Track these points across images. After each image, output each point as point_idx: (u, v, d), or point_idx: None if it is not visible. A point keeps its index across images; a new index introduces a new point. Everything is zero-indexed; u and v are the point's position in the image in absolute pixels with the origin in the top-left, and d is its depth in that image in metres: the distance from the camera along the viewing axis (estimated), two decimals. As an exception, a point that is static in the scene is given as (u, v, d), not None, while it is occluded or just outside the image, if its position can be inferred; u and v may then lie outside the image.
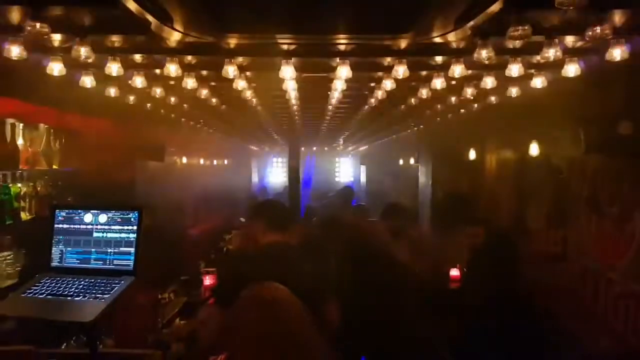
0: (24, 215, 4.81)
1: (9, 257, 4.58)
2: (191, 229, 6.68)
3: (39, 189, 5.01)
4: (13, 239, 4.62)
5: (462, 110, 4.29)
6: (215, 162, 11.74)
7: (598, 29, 1.79)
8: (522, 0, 1.73)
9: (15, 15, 1.83)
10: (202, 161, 10.53)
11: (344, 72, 2.53)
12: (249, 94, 3.44)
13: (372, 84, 3.35)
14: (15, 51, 2.09)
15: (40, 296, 2.06)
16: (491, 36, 2.11)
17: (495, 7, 1.76)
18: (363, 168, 14.83)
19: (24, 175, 4.85)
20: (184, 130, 6.60)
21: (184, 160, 9.12)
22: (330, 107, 4.35)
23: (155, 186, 7.25)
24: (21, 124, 4.78)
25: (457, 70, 2.55)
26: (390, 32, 2.14)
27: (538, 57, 2.29)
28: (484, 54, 2.13)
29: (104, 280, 2.11)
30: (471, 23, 1.94)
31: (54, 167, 5.32)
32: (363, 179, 14.89)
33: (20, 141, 4.80)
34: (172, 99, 3.66)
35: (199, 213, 9.01)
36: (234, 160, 12.96)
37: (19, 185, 4.76)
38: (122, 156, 6.22)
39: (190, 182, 9.08)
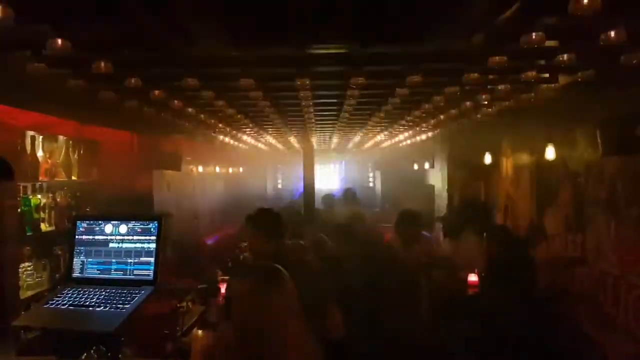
0: (44, 227, 4.89)
1: (29, 268, 4.65)
2: (208, 237, 6.73)
3: (58, 200, 5.09)
4: (33, 250, 4.70)
5: (479, 115, 4.28)
6: (230, 170, 11.82)
7: (612, 33, 1.79)
8: (535, 8, 1.73)
9: (39, 33, 1.87)
10: (217, 169, 10.61)
11: (359, 81, 2.54)
12: (263, 103, 3.47)
13: (387, 90, 3.36)
14: (37, 67, 2.14)
15: (63, 307, 2.09)
16: (505, 43, 2.12)
17: (508, 14, 1.76)
18: (378, 174, 14.80)
19: (44, 186, 4.93)
20: (200, 139, 6.67)
21: (200, 169, 9.20)
22: (344, 114, 4.37)
23: (172, 195, 7.33)
24: (41, 136, 4.87)
25: (471, 76, 2.55)
26: (405, 40, 2.16)
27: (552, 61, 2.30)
28: (497, 60, 2.14)
29: (125, 290, 2.14)
30: (485, 31, 1.95)
31: (73, 178, 5.40)
32: (378, 184, 14.85)
33: (40, 153, 4.88)
34: (190, 110, 3.70)
35: (215, 221, 9.08)
36: (248, 167, 13.05)
37: (39, 196, 4.84)
38: (139, 166, 6.31)
39: (206, 190, 9.15)
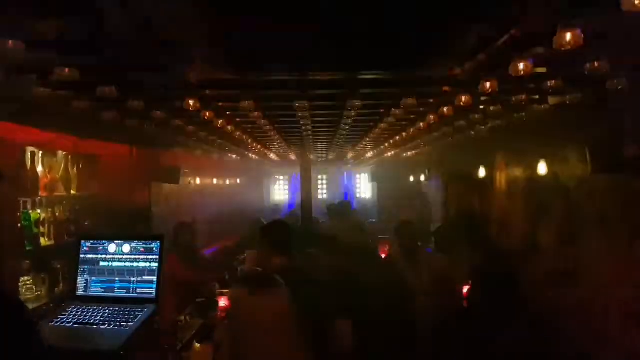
0: (44, 241, 4.93)
1: (28, 282, 4.68)
2: (205, 250, 6.77)
3: (57, 214, 5.13)
4: (32, 264, 4.73)
5: (472, 132, 4.37)
6: (227, 181, 11.88)
7: (596, 64, 1.87)
8: (524, 42, 1.82)
9: (46, 62, 1.95)
10: (215, 181, 10.66)
11: (355, 103, 2.63)
12: (263, 122, 3.55)
13: (382, 110, 3.44)
14: (43, 92, 2.21)
15: (68, 325, 2.15)
16: (496, 69, 2.21)
17: (499, 45, 1.85)
18: (374, 185, 14.88)
19: (43, 201, 4.97)
20: (198, 152, 6.74)
21: (198, 181, 9.25)
22: (341, 132, 4.45)
23: (170, 207, 7.37)
24: (40, 152, 4.92)
25: (463, 99, 2.64)
26: (400, 68, 2.24)
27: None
28: (488, 86, 2.22)
29: (128, 308, 2.20)
30: (476, 60, 2.04)
31: (72, 192, 5.44)
32: (374, 196, 14.93)
33: (39, 168, 4.93)
34: (190, 127, 3.77)
35: (214, 232, 9.10)
36: (246, 179, 13.10)
37: (39, 211, 4.88)
38: (138, 179, 6.36)
39: (203, 202, 9.19)
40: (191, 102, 2.61)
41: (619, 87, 2.18)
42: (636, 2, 1.18)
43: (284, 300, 2.50)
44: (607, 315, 3.79)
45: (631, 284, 3.49)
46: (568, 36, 1.59)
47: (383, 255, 5.82)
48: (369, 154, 8.43)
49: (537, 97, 2.90)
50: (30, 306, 4.50)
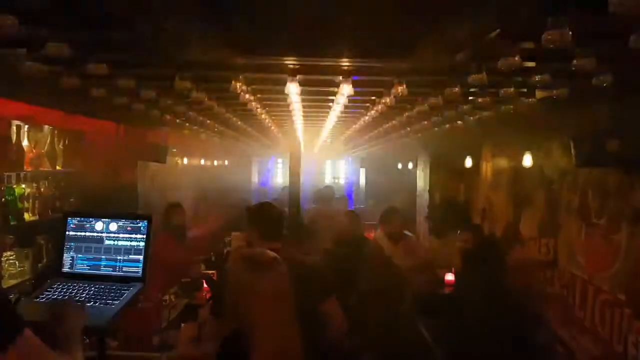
0: (27, 216, 4.91)
1: (11, 257, 4.67)
2: (191, 231, 6.78)
3: (42, 189, 5.11)
4: (16, 239, 4.71)
5: (460, 122, 4.42)
6: (215, 162, 11.84)
7: (583, 61, 1.91)
8: (515, 34, 1.85)
9: (37, 36, 1.93)
10: (202, 162, 10.63)
11: (346, 89, 2.64)
12: (253, 104, 3.55)
13: (373, 97, 3.47)
14: (33, 66, 2.19)
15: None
16: (486, 61, 2.24)
17: (491, 37, 1.88)
18: (363, 171, 14.95)
19: (28, 176, 4.94)
20: (186, 131, 6.70)
21: (185, 161, 9.21)
22: (331, 118, 4.47)
23: (156, 186, 7.35)
24: (26, 126, 4.88)
25: (453, 90, 2.67)
26: (391, 56, 2.26)
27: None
28: (478, 77, 2.25)
29: (114, 286, 2.21)
30: (468, 50, 2.06)
31: (58, 167, 5.41)
32: (362, 181, 15.02)
33: (25, 142, 4.89)
34: (180, 108, 3.77)
35: (200, 213, 9.10)
36: (234, 160, 13.07)
37: (23, 186, 4.85)
38: (124, 157, 6.32)
39: (191, 182, 9.17)
40: (181, 82, 2.60)
41: (604, 85, 2.23)
42: (622, 4, 1.21)
43: (284, 277, 2.53)
44: (584, 304, 3.91)
45: (609, 274, 3.59)
46: (556, 34, 1.62)
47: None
48: (359, 141, 8.46)
49: (525, 90, 2.94)
50: (14, 281, 4.50)
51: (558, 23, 1.51)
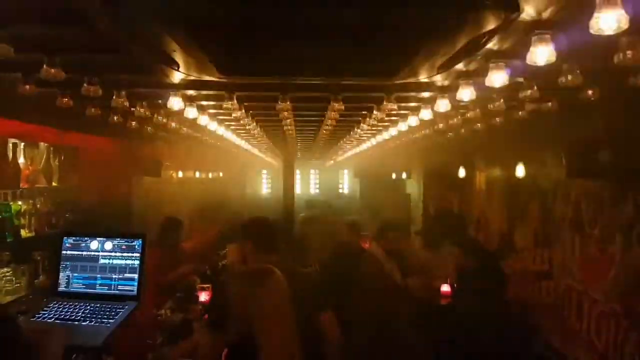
0: (24, 233, 4.91)
1: (8, 274, 4.66)
2: (185, 244, 6.77)
3: (38, 206, 5.11)
4: (12, 256, 4.71)
5: (450, 134, 4.46)
6: (210, 174, 11.84)
7: (570, 77, 1.95)
8: (500, 52, 1.89)
9: (32, 60, 1.96)
10: (197, 174, 10.62)
11: (337, 106, 2.68)
12: (246, 120, 3.58)
13: (364, 112, 3.50)
14: (28, 89, 2.22)
15: (49, 320, 2.17)
16: (474, 78, 2.27)
17: (474, 56, 1.92)
18: (356, 181, 14.97)
19: (24, 193, 4.95)
20: (180, 145, 6.72)
21: (180, 174, 9.21)
22: (323, 132, 4.51)
23: (150, 201, 7.35)
24: (22, 143, 4.89)
25: (442, 105, 2.70)
26: (380, 75, 2.30)
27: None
28: (464, 93, 2.29)
29: (109, 305, 2.23)
30: (453, 67, 2.10)
31: (54, 184, 5.42)
32: (354, 191, 15.04)
33: (21, 160, 4.90)
34: (173, 124, 3.80)
35: (194, 226, 9.06)
36: (228, 172, 13.07)
37: (20, 202, 4.86)
38: (119, 172, 6.34)
39: (185, 196, 9.16)
40: (174, 102, 2.63)
41: (592, 99, 2.27)
42: (603, 28, 1.25)
43: (284, 286, 2.61)
44: (581, 315, 3.92)
45: (603, 285, 3.61)
46: (542, 51, 1.66)
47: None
48: (351, 153, 8.51)
49: (515, 104, 2.98)
50: (10, 298, 4.49)
51: (544, 39, 1.55)
